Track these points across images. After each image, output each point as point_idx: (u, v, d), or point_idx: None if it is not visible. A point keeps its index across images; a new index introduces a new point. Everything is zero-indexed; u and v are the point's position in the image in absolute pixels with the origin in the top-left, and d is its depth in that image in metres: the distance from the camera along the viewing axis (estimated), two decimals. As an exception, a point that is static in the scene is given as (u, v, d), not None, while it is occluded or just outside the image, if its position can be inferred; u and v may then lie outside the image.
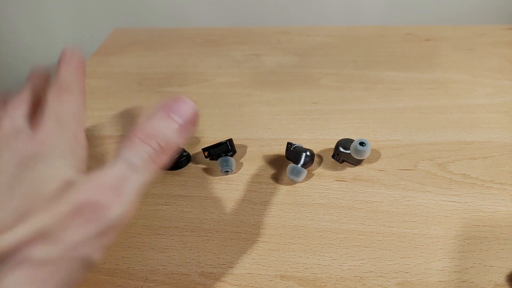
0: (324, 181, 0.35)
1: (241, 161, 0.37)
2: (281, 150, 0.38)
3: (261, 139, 0.40)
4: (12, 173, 0.19)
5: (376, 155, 0.37)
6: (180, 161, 0.36)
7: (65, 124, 0.22)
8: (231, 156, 0.36)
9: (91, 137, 0.41)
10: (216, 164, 0.37)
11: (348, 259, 0.29)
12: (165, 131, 0.20)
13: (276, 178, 0.35)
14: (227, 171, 0.35)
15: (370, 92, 0.46)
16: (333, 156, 0.37)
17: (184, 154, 0.37)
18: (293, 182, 0.35)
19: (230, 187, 0.35)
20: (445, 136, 0.39)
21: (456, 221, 0.31)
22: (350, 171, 0.36)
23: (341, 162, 0.36)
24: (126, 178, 0.19)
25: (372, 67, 0.51)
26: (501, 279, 0.27)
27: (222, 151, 0.35)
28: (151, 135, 0.20)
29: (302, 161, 0.34)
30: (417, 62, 0.51)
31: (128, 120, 0.43)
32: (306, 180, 0.35)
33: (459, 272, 0.27)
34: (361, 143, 0.34)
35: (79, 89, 0.25)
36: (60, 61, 0.26)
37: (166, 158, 0.20)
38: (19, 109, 0.23)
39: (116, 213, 0.18)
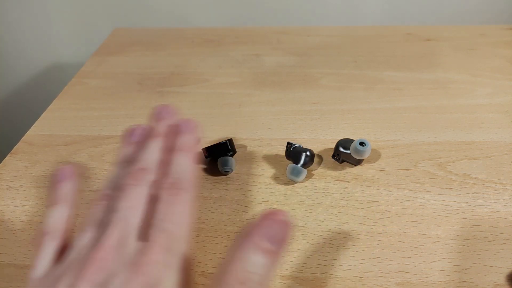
0: (324, 181, 0.35)
1: (241, 161, 0.37)
2: (281, 150, 0.38)
3: (261, 139, 0.40)
4: None
5: (376, 155, 0.37)
6: (180, 161, 0.36)
7: (173, 251, 0.21)
8: (231, 156, 0.36)
9: (91, 137, 0.41)
10: (216, 164, 0.37)
11: (348, 259, 0.29)
12: (260, 270, 0.19)
13: (276, 178, 0.35)
14: (227, 171, 0.35)
15: (370, 92, 0.46)
16: (333, 156, 0.37)
17: (184, 154, 0.37)
18: (293, 182, 0.35)
19: (230, 187, 0.35)
20: (445, 136, 0.39)
21: (456, 221, 0.31)
22: (350, 171, 0.36)
23: (341, 162, 0.36)
24: None
25: (372, 67, 0.51)
26: (501, 279, 0.27)
27: (222, 151, 0.35)
28: (244, 280, 0.18)
29: (302, 161, 0.34)
30: (417, 62, 0.51)
31: (128, 120, 0.43)
32: (306, 180, 0.35)
33: (459, 272, 0.27)
34: (361, 143, 0.34)
35: (194, 185, 0.23)
36: (174, 136, 0.24)
37: None
38: (134, 214, 0.21)
39: None
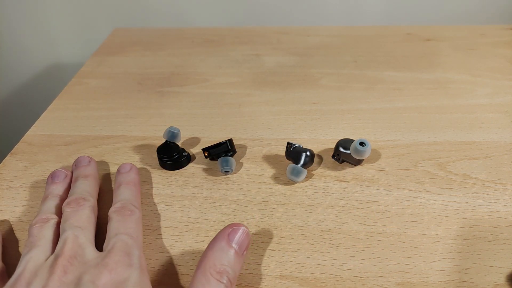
0: (324, 181, 0.35)
1: (241, 161, 0.37)
2: (281, 150, 0.38)
3: (261, 139, 0.40)
4: None
5: (376, 155, 0.37)
6: (180, 161, 0.36)
7: (132, 254, 0.25)
8: (231, 156, 0.36)
9: (91, 137, 0.41)
10: (216, 164, 0.37)
11: (348, 259, 0.29)
12: (234, 266, 0.24)
13: (276, 178, 0.35)
14: (227, 171, 0.35)
15: (370, 92, 0.46)
16: (333, 156, 0.37)
17: (184, 154, 0.37)
18: (293, 182, 0.35)
19: (230, 187, 0.35)
20: (445, 136, 0.39)
21: (456, 221, 0.31)
22: (350, 171, 0.36)
23: (341, 162, 0.36)
24: None
25: (372, 67, 0.51)
26: (501, 279, 0.27)
27: (222, 151, 0.35)
28: (222, 271, 0.23)
29: (302, 161, 0.34)
30: (417, 62, 0.51)
31: (128, 120, 0.43)
32: (306, 180, 0.35)
33: (459, 272, 0.27)
34: (361, 143, 0.34)
35: (139, 208, 0.30)
36: (118, 176, 0.33)
37: None
38: (85, 231, 0.26)
39: None
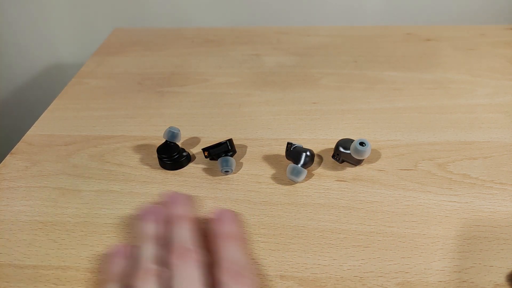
0: (324, 181, 0.35)
1: (241, 161, 0.37)
2: (281, 150, 0.38)
3: (261, 139, 0.40)
4: None
5: (376, 155, 0.37)
6: (180, 161, 0.36)
7: None
8: (231, 156, 0.36)
9: (91, 137, 0.41)
10: (216, 164, 0.37)
11: (348, 259, 0.29)
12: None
13: (276, 178, 0.35)
14: (227, 171, 0.35)
15: (370, 92, 0.46)
16: (333, 156, 0.37)
17: (184, 154, 0.37)
18: (293, 182, 0.35)
19: (230, 187, 0.35)
20: (445, 136, 0.39)
21: (456, 221, 0.31)
22: (350, 171, 0.36)
23: (341, 162, 0.36)
24: None
25: (372, 67, 0.51)
26: (501, 279, 0.27)
27: (222, 151, 0.35)
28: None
29: (302, 161, 0.34)
30: (417, 62, 0.51)
31: (128, 120, 0.43)
32: (306, 180, 0.35)
33: (459, 272, 0.27)
34: (361, 143, 0.34)
35: (251, 271, 0.26)
36: (218, 225, 0.28)
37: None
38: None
39: None
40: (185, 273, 0.24)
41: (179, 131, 0.37)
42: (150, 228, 0.28)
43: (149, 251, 0.26)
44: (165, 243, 0.27)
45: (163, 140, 0.37)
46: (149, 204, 0.30)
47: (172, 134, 0.36)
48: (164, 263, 0.25)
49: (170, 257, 0.25)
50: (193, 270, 0.24)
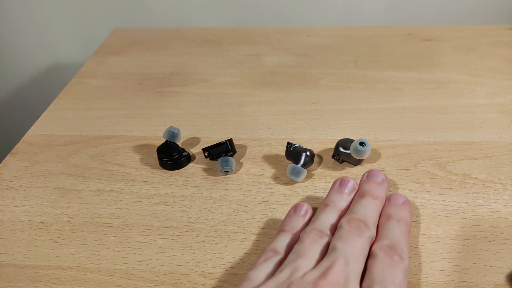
0: (324, 181, 0.35)
1: (241, 161, 0.37)
2: (281, 150, 0.38)
3: (261, 139, 0.40)
4: None
5: (376, 155, 0.37)
6: (180, 161, 0.36)
7: None
8: (231, 156, 0.36)
9: (91, 137, 0.41)
10: (216, 164, 0.37)
11: (348, 259, 0.29)
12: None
13: (276, 178, 0.35)
14: (227, 171, 0.35)
15: (370, 92, 0.46)
16: (333, 156, 0.37)
17: (184, 154, 0.37)
18: (293, 182, 0.35)
19: (230, 187, 0.35)
20: (445, 136, 0.39)
21: (456, 221, 0.31)
22: (350, 171, 0.36)
23: (341, 162, 0.36)
24: None
25: (372, 67, 0.51)
26: (501, 279, 0.27)
27: (222, 151, 0.35)
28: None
29: (302, 161, 0.34)
30: (417, 62, 0.51)
31: (128, 120, 0.43)
32: (306, 180, 0.35)
33: (459, 272, 0.27)
34: (361, 143, 0.34)
35: (408, 257, 0.26)
36: (388, 208, 0.29)
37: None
38: (356, 261, 0.24)
39: None
40: (352, 241, 0.25)
41: (179, 131, 0.37)
42: (339, 199, 0.29)
43: (328, 215, 0.28)
44: (346, 214, 0.27)
45: (163, 140, 0.37)
46: (348, 177, 0.30)
47: (172, 134, 0.36)
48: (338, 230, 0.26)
49: (344, 223, 0.26)
50: (362, 241, 0.25)
